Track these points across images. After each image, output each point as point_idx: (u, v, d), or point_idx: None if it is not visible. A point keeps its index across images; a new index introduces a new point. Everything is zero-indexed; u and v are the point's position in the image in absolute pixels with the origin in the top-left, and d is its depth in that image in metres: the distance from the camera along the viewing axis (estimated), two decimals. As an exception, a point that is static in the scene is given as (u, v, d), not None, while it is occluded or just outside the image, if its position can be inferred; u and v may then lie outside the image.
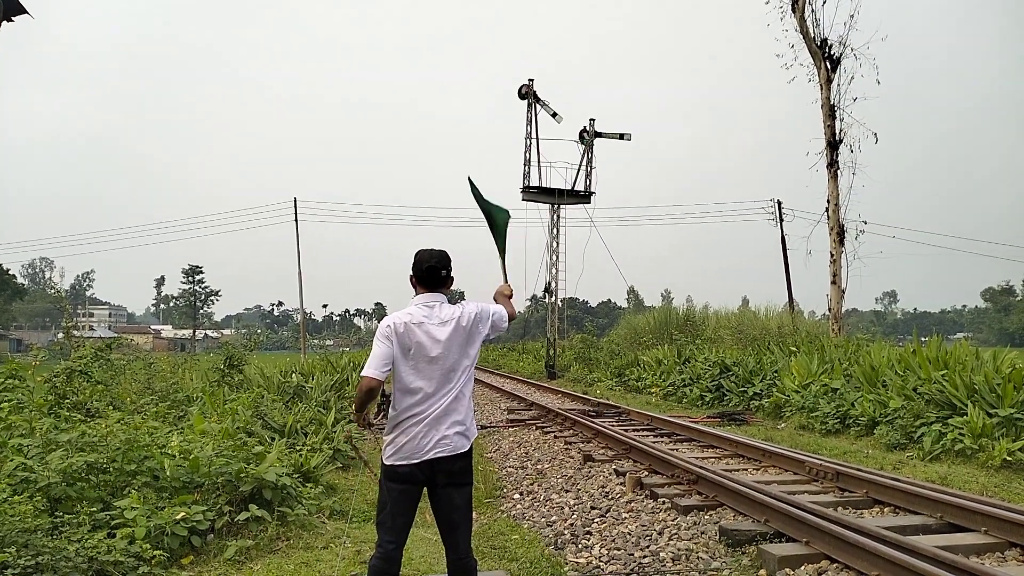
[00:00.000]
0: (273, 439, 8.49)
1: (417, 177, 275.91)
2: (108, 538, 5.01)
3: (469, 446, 3.84)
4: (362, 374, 3.81)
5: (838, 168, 21.83)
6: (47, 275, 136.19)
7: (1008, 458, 8.65)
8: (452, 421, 3.75)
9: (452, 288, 4.05)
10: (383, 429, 3.93)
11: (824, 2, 21.84)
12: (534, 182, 29.62)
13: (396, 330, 3.77)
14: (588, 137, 30.17)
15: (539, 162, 29.68)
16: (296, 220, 40.50)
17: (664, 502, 7.10)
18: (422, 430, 3.71)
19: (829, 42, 21.90)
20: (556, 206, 29.93)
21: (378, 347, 3.81)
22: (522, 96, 29.92)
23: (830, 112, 21.89)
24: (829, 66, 21.88)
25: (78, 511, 5.21)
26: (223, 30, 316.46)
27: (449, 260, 3.96)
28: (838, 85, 21.86)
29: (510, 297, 4.27)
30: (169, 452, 6.33)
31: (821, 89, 22.00)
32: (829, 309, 22.27)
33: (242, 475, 6.05)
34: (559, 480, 8.62)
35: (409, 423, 3.73)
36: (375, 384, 3.76)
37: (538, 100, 29.80)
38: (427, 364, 3.76)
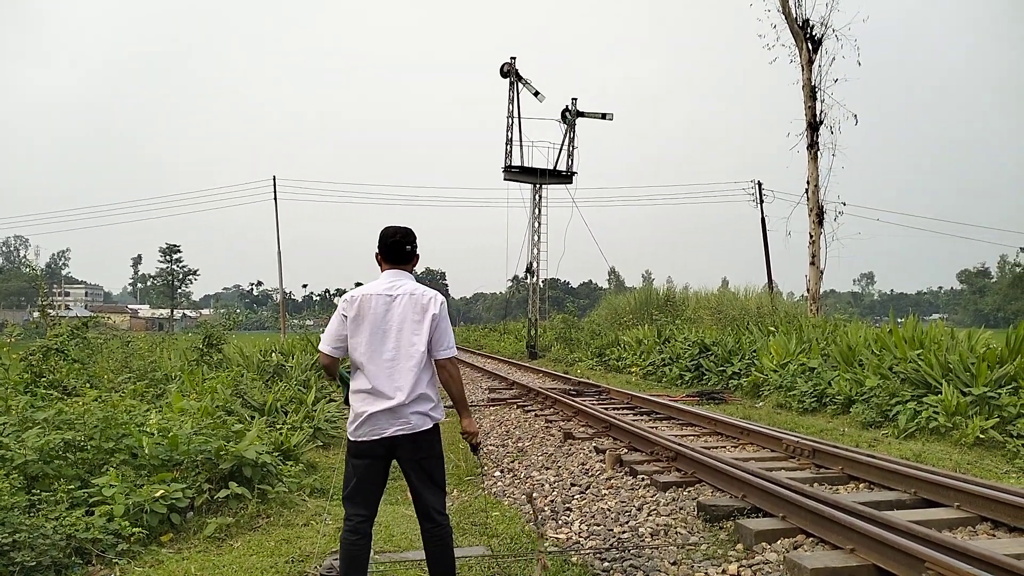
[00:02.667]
0: (253, 418, 8.47)
1: (398, 157, 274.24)
2: (86, 516, 5.00)
3: (431, 425, 3.80)
4: (319, 348, 3.88)
5: (818, 149, 21.94)
6: (22, 253, 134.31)
7: (981, 436, 8.80)
8: (412, 399, 3.71)
9: (417, 269, 4.05)
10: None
11: (806, -19, 21.87)
12: (516, 162, 29.45)
13: (353, 303, 3.77)
14: (570, 116, 29.97)
15: (521, 141, 29.50)
16: (275, 199, 40.19)
17: (643, 479, 7.17)
18: (381, 407, 3.68)
19: (811, 23, 21.95)
20: (538, 186, 29.80)
21: (333, 322, 3.83)
22: (504, 74, 29.65)
23: (811, 93, 21.95)
24: (811, 47, 21.93)
25: (55, 489, 5.18)
26: (209, 8, 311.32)
27: (414, 237, 3.95)
28: (819, 66, 21.96)
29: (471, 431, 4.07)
30: (148, 430, 6.30)
31: (802, 70, 22.05)
32: (808, 290, 22.45)
33: (222, 453, 6.03)
34: (539, 458, 8.67)
35: (367, 400, 3.71)
36: (328, 361, 3.86)
37: (520, 78, 29.56)
38: (382, 337, 3.74)
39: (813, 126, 21.95)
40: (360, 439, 3.72)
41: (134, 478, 5.63)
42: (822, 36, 21.86)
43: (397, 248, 3.89)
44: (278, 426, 8.26)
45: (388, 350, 3.73)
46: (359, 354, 3.74)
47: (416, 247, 3.95)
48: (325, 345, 3.84)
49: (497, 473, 8.16)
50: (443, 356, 3.82)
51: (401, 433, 3.70)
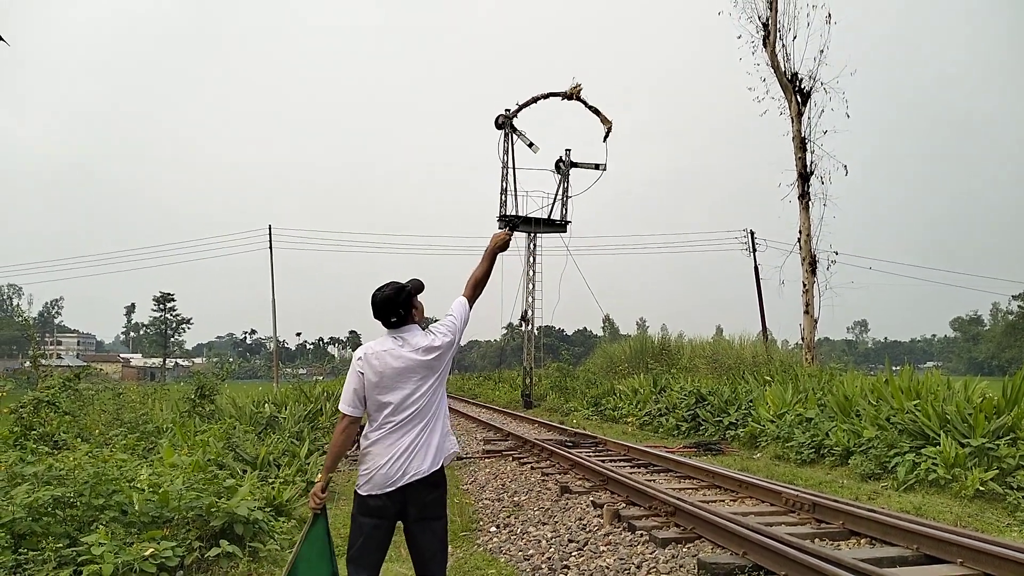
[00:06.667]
0: (245, 471, 8.34)
1: (393, 203, 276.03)
2: (74, 575, 4.87)
3: (443, 477, 3.81)
4: (340, 410, 3.83)
5: (809, 199, 22.19)
6: (14, 302, 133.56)
7: (981, 488, 8.72)
8: (425, 447, 3.72)
9: (425, 315, 4.02)
10: (355, 459, 3.90)
11: (795, 37, 22.36)
12: (510, 211, 29.71)
13: (366, 360, 3.77)
14: (564, 167, 30.36)
15: (515, 191, 29.82)
16: (271, 247, 40.42)
17: (642, 534, 7.06)
18: (394, 457, 3.67)
19: (799, 76, 22.40)
20: (532, 235, 30.02)
21: (349, 380, 3.82)
22: (499, 126, 30.06)
23: (801, 145, 22.28)
24: (800, 99, 22.32)
25: (43, 547, 5.07)
26: (197, 54, 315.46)
27: (395, 297, 3.79)
28: (808, 118, 22.33)
29: (497, 244, 4.10)
30: (138, 486, 6.19)
31: (792, 122, 22.42)
32: (802, 338, 22.48)
33: (213, 509, 5.93)
34: (536, 512, 8.54)
35: (380, 451, 3.70)
36: (351, 419, 3.81)
37: (514, 130, 29.96)
38: (396, 392, 3.73)
39: (804, 177, 22.23)
40: (371, 493, 3.68)
41: (124, 536, 5.51)
42: (811, 89, 22.30)
43: (382, 317, 3.84)
44: (270, 480, 8.14)
45: (403, 407, 3.73)
46: (373, 410, 3.76)
47: (403, 304, 3.80)
48: (345, 406, 3.78)
49: (493, 529, 8.02)
50: (466, 305, 4.04)
51: (416, 479, 3.68)
